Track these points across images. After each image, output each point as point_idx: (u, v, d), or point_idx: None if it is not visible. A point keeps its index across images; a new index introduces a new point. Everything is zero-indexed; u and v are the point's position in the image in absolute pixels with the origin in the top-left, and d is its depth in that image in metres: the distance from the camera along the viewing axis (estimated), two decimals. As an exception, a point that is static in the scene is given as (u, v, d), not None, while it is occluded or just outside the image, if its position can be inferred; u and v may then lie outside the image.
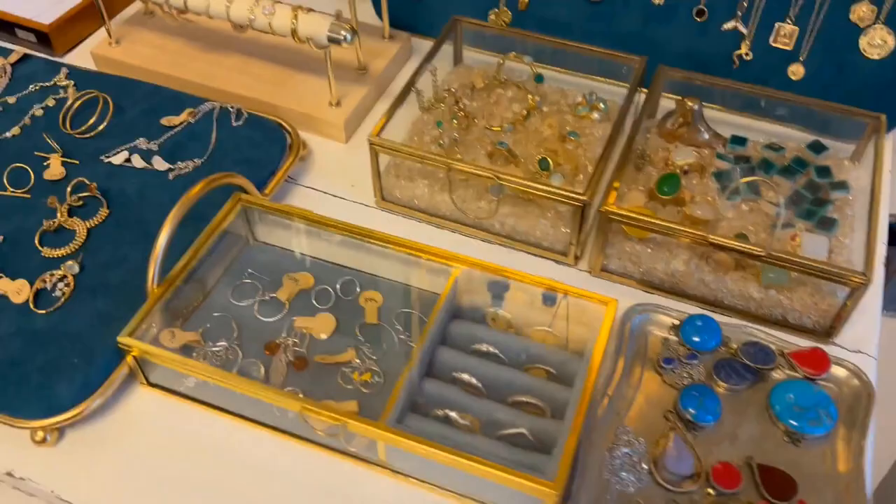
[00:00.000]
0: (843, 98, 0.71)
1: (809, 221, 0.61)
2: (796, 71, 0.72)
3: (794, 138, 0.71)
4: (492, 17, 0.80)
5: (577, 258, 0.64)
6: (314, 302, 0.60)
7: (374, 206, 0.69)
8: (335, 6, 0.74)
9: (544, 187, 0.60)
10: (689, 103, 0.67)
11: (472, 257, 0.58)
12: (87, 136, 0.69)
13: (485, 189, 0.64)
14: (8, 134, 0.69)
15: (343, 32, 0.67)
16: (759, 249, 0.55)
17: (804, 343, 0.58)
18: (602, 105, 0.71)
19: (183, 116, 0.70)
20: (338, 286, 0.61)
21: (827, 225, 0.61)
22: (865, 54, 0.69)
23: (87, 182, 0.64)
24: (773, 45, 0.72)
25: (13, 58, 0.76)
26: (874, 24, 0.68)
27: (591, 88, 0.73)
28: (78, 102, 0.70)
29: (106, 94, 0.71)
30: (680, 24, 0.74)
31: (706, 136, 0.68)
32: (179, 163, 0.66)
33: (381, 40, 0.81)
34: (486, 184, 0.63)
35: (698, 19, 0.73)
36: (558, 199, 0.60)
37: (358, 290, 0.61)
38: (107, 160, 0.67)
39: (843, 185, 0.64)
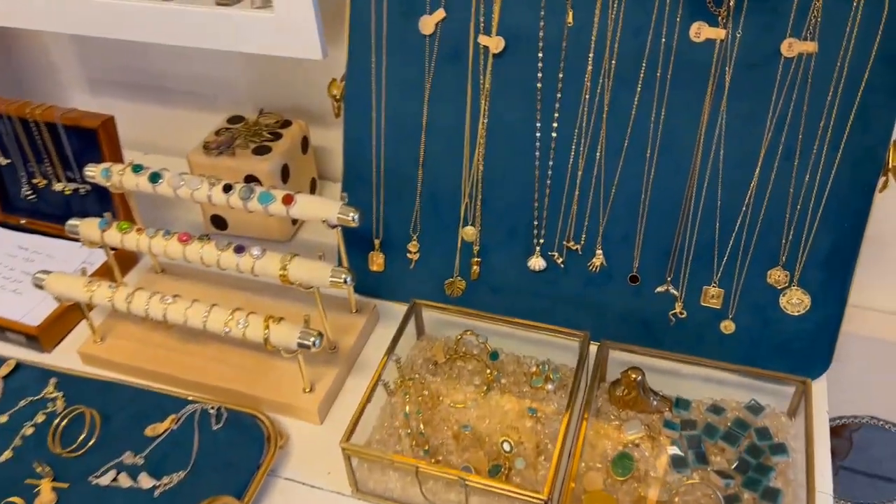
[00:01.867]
0: (773, 347, 0.78)
1: (755, 492, 0.66)
2: (727, 326, 0.79)
3: (736, 383, 0.76)
4: (447, 285, 0.87)
5: (546, 540, 0.68)
6: None
7: (351, 495, 0.73)
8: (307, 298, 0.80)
9: (507, 488, 0.64)
10: (633, 375, 0.73)
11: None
12: (76, 454, 0.73)
13: (455, 481, 0.68)
14: (0, 458, 0.73)
15: (311, 339, 0.73)
16: (707, 545, 0.59)
17: None
18: (553, 375, 0.77)
19: (166, 424, 0.75)
20: None
21: (771, 496, 0.65)
22: (787, 311, 0.77)
23: (78, 512, 0.67)
24: (704, 304, 0.79)
25: (5, 370, 0.82)
26: (789, 286, 0.76)
27: (549, 347, 0.79)
28: (66, 420, 0.75)
29: (93, 409, 0.76)
30: (617, 287, 0.82)
31: (654, 402, 0.74)
32: (164, 477, 0.70)
33: (349, 314, 0.87)
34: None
35: (632, 284, 0.81)
36: (523, 499, 0.64)
37: None
38: (95, 481, 0.71)
39: (782, 449, 0.69)
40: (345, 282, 0.75)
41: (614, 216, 0.80)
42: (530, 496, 0.63)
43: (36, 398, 0.79)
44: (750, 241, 0.76)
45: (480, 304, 0.83)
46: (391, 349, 0.77)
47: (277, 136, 0.99)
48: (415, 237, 0.87)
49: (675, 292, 0.80)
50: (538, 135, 0.80)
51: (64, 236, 0.98)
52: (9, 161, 0.99)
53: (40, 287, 0.81)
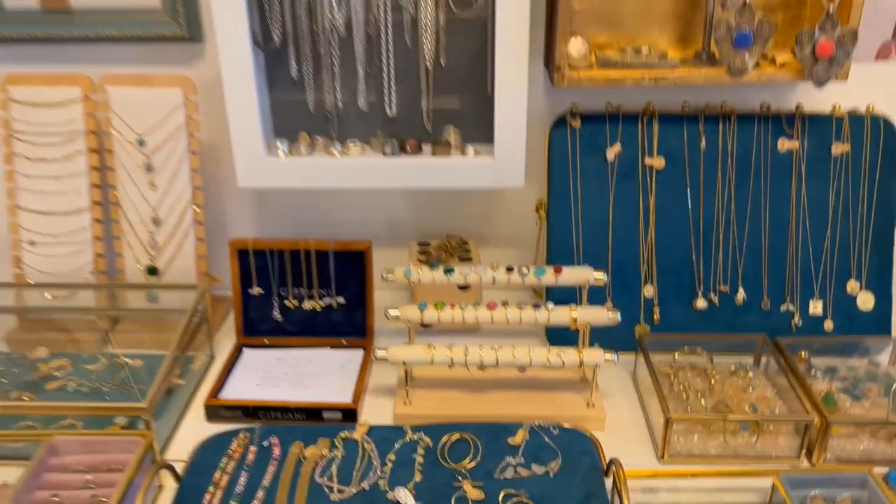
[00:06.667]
0: (856, 335, 1.22)
1: (907, 401, 1.07)
2: (828, 325, 1.22)
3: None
4: (636, 329, 1.22)
5: None
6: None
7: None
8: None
9: None
10: (803, 354, 1.13)
11: None
12: (470, 465, 0.96)
13: None
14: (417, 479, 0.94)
15: (613, 356, 1.05)
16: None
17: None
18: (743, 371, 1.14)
19: (520, 435, 1.00)
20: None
21: (917, 401, 1.06)
22: (861, 309, 1.22)
23: (514, 491, 0.91)
24: (811, 314, 1.22)
25: (362, 430, 1.02)
26: (860, 290, 1.22)
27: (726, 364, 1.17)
28: (448, 445, 0.98)
29: (467, 434, 1.00)
30: (755, 312, 1.23)
31: (814, 372, 1.13)
32: (550, 464, 0.96)
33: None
34: None
35: (764, 309, 1.23)
36: None
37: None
38: (500, 476, 0.94)
39: (904, 379, 1.11)
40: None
41: (746, 265, 1.22)
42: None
43: (406, 440, 1.00)
44: (831, 267, 1.22)
45: (665, 340, 1.19)
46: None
47: (467, 251, 1.32)
48: (609, 298, 1.23)
49: (794, 308, 1.22)
50: (689, 217, 1.22)
51: (308, 345, 1.21)
52: (261, 290, 1.22)
53: (384, 359, 1.05)
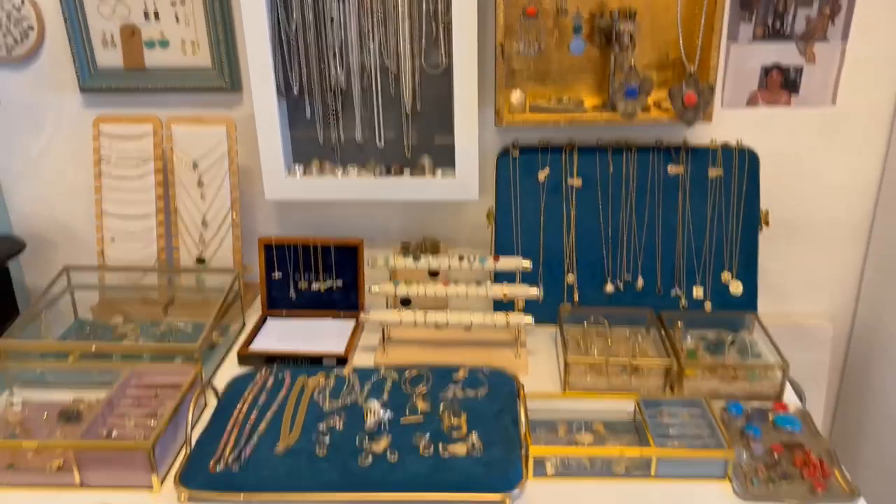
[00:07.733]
0: (729, 311, 1.60)
1: (742, 353, 1.45)
2: (707, 306, 1.61)
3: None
4: (560, 307, 1.63)
5: None
6: None
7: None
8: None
9: (652, 361, 1.39)
10: (679, 323, 1.52)
11: None
12: (424, 390, 1.36)
13: (617, 373, 1.41)
14: (384, 396, 1.34)
15: (532, 319, 1.45)
16: None
17: None
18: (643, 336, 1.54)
19: (462, 373, 1.40)
20: None
21: (745, 350, 1.44)
22: (733, 294, 1.61)
23: (450, 404, 1.31)
24: (695, 298, 1.62)
25: (349, 368, 1.43)
26: (731, 279, 1.61)
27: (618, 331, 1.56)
28: (409, 378, 1.38)
29: (424, 371, 1.40)
30: (650, 295, 1.62)
31: (687, 336, 1.52)
32: (479, 389, 1.36)
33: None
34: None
35: (658, 294, 1.62)
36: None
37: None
38: (442, 396, 1.34)
39: (745, 342, 1.49)
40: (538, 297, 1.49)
41: (644, 259, 1.62)
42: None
43: (380, 376, 1.41)
44: (710, 261, 1.61)
45: (581, 314, 1.59)
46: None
47: (437, 249, 1.73)
48: (540, 284, 1.63)
49: (681, 293, 1.61)
50: (601, 224, 1.63)
51: (314, 316, 1.63)
52: (280, 275, 1.64)
53: (367, 320, 1.46)
